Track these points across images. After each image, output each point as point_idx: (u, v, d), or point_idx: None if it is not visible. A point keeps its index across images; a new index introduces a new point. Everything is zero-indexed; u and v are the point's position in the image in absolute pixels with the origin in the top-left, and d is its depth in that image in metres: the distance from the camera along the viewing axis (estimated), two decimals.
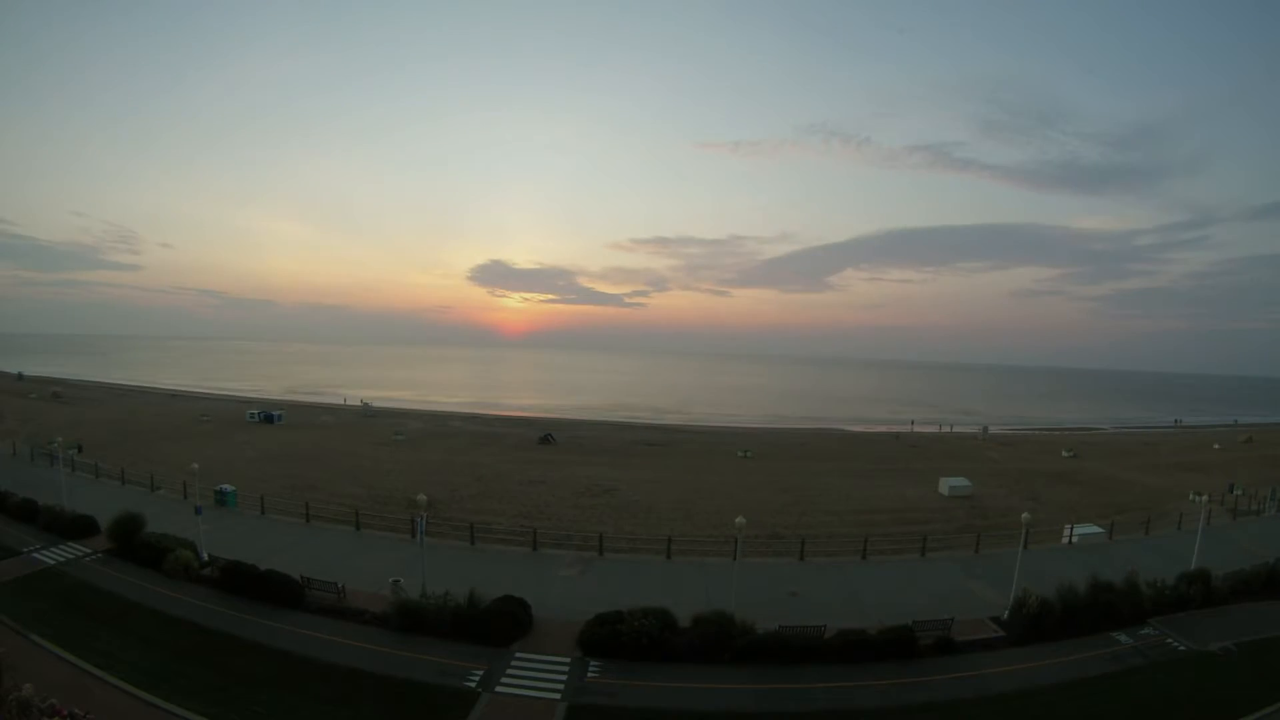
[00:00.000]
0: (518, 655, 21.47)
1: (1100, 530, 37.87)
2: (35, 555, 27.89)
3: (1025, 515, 28.52)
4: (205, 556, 27.72)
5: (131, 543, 28.22)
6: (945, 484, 52.35)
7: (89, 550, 28.68)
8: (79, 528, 30.48)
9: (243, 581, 24.93)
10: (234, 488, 39.26)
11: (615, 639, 21.36)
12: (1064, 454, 77.22)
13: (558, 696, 19.30)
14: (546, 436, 77.71)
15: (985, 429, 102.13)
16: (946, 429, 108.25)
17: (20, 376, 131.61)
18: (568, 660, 21.28)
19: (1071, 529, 37.36)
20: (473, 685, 19.58)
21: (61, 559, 27.76)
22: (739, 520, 24.79)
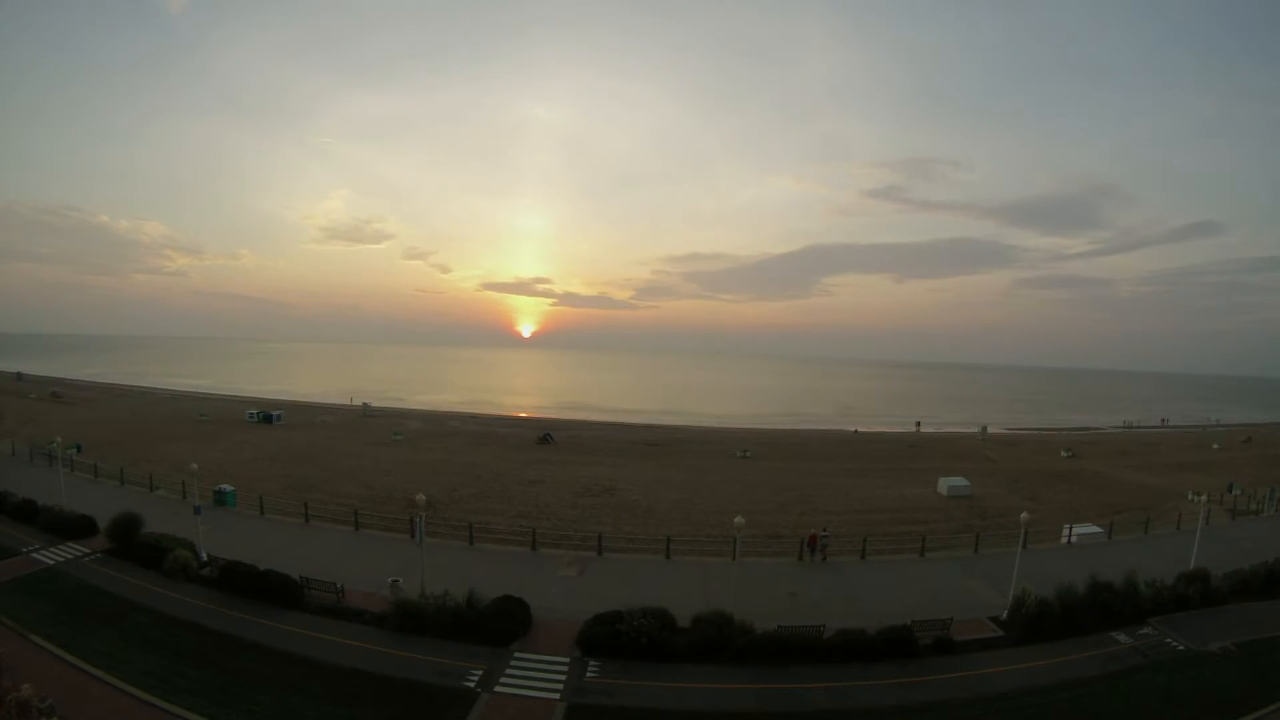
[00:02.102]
0: (517, 655, 21.48)
1: (1099, 530, 37.88)
2: (34, 555, 27.83)
3: (1024, 515, 28.56)
4: (204, 556, 27.71)
5: (131, 543, 28.20)
6: (944, 484, 52.42)
7: (88, 550, 28.65)
8: (78, 528, 30.43)
9: (242, 581, 24.92)
10: (233, 488, 39.23)
11: (614, 639, 21.36)
12: (1063, 454, 77.32)
13: (557, 696, 19.29)
14: (545, 436, 77.75)
15: (984, 429, 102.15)
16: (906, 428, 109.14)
17: (19, 376, 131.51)
18: (567, 660, 21.28)
19: (1070, 529, 37.37)
20: (472, 685, 19.57)
21: (61, 559, 27.72)
22: (738, 520, 24.80)
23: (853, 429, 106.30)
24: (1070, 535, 36.87)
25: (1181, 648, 22.66)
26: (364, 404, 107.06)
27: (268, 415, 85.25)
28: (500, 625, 22.48)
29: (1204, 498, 34.66)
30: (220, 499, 37.84)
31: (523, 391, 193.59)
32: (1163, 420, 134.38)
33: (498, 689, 19.49)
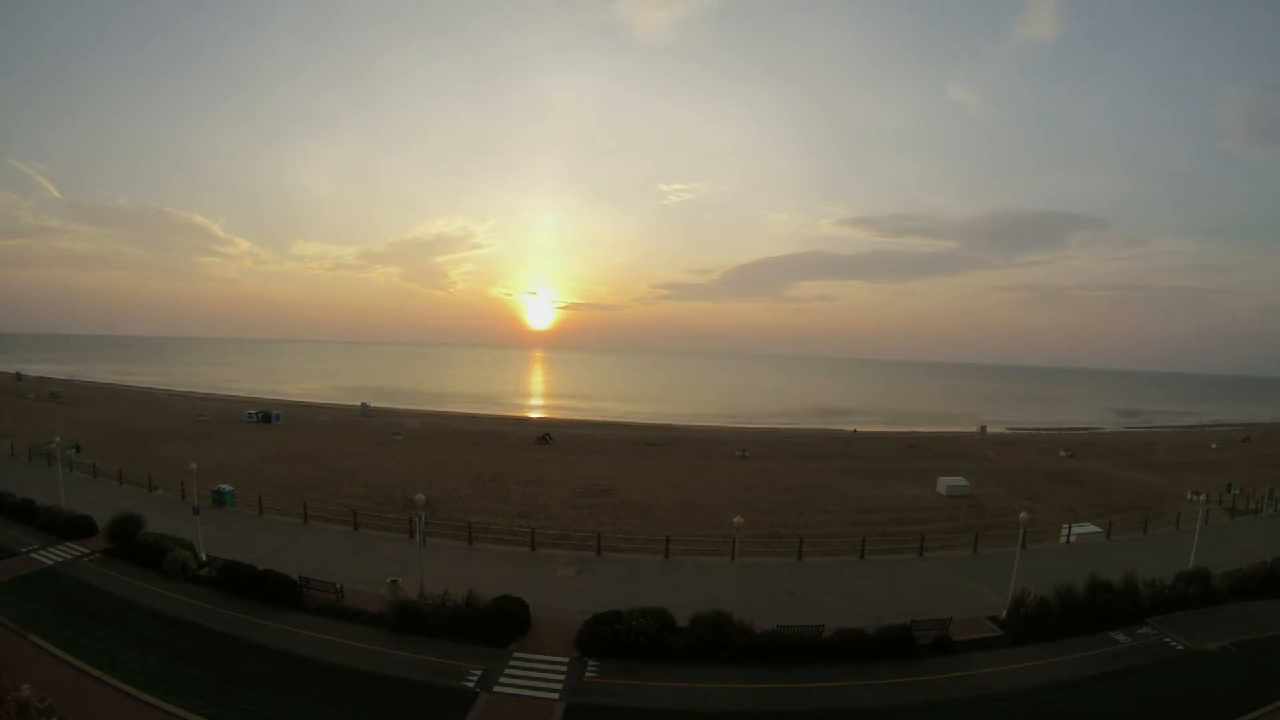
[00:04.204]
0: (516, 655, 21.47)
1: (1098, 530, 37.92)
2: (33, 555, 27.84)
3: (1023, 515, 28.60)
4: (203, 556, 27.71)
5: (130, 543, 28.18)
6: (943, 483, 52.37)
7: (87, 550, 28.64)
8: (77, 528, 30.43)
9: (241, 581, 24.92)
10: (232, 488, 39.23)
11: (613, 639, 21.37)
12: (1061, 453, 77.37)
13: (556, 696, 19.29)
14: (544, 436, 77.72)
15: (983, 428, 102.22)
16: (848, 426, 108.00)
17: (18, 377, 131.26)
18: (566, 660, 21.29)
19: (1069, 528, 37.41)
20: (471, 685, 19.58)
21: (60, 559, 27.72)
22: (736, 520, 24.81)
23: (851, 429, 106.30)
24: (1069, 535, 36.91)
25: (1180, 647, 22.69)
26: (363, 404, 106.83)
27: (267, 415, 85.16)
28: (499, 625, 22.48)
29: (1203, 497, 34.78)
30: (219, 499, 37.84)
31: (522, 391, 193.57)
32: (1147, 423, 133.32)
33: (497, 689, 19.49)
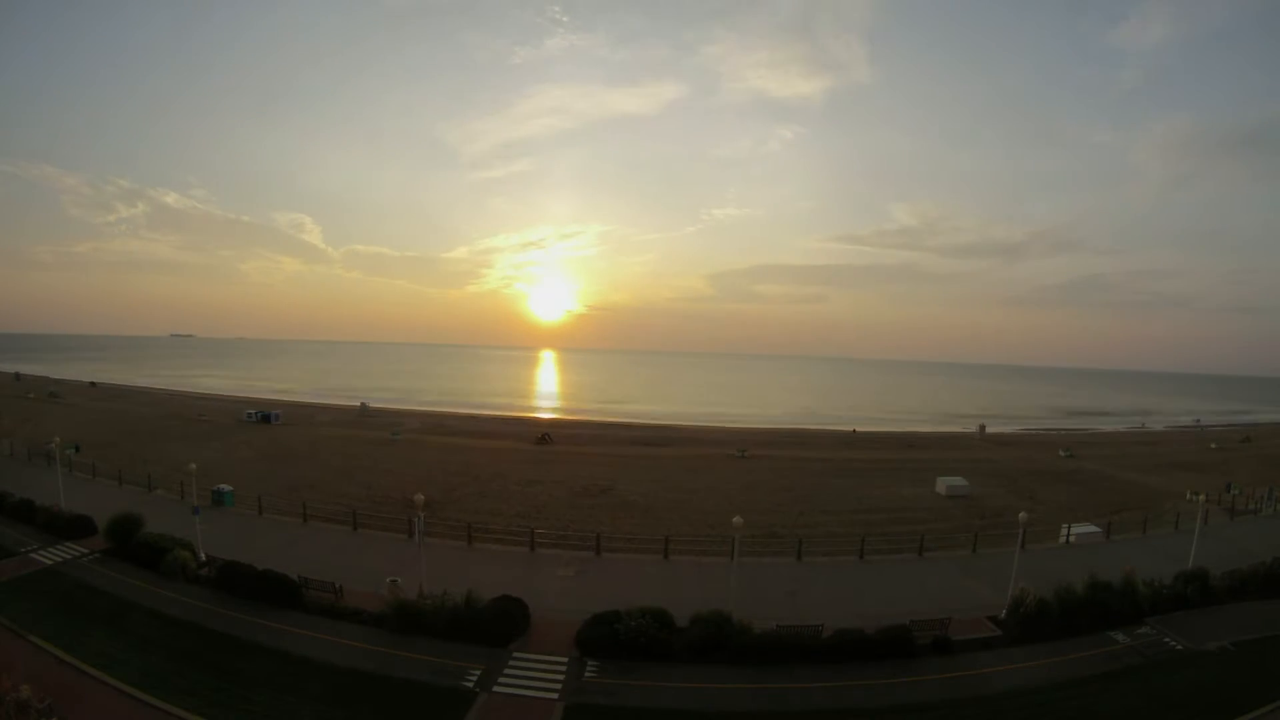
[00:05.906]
0: (515, 655, 21.49)
1: (1098, 530, 37.93)
2: (32, 555, 27.84)
3: (1022, 515, 28.60)
4: (203, 556, 27.70)
5: (129, 543, 28.17)
6: (943, 483, 52.37)
7: (86, 550, 28.64)
8: (76, 528, 30.44)
9: (240, 581, 24.92)
10: (231, 488, 39.21)
11: (613, 639, 21.39)
12: (1061, 454, 77.32)
13: (555, 696, 19.31)
14: (544, 436, 77.70)
15: (983, 428, 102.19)
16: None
17: (18, 377, 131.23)
18: (565, 660, 21.30)
19: (1069, 528, 37.40)
20: (470, 685, 19.59)
21: (59, 559, 27.72)
22: (736, 520, 24.79)
23: (851, 428, 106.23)
24: (1069, 535, 36.91)
25: (1179, 647, 22.72)
26: (362, 403, 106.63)
27: (266, 415, 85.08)
28: (498, 625, 22.49)
29: (1202, 497, 34.79)
30: (218, 499, 37.82)
31: (524, 391, 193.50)
32: (1142, 424, 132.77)
33: (496, 689, 19.51)
